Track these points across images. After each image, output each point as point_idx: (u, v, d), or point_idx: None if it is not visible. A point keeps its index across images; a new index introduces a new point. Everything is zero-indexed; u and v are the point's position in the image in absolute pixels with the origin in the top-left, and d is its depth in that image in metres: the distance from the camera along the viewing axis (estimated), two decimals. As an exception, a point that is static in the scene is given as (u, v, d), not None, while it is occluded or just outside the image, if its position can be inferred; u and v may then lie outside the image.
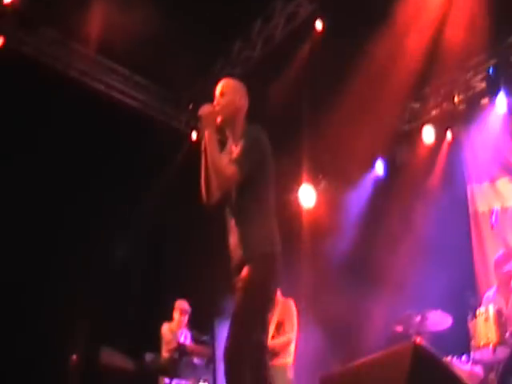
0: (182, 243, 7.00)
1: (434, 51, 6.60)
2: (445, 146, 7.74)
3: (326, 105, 6.87)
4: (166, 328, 6.67)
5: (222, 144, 3.55)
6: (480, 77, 7.31)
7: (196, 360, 5.87)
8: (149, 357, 6.23)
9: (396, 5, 6.24)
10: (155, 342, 6.56)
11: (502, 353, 4.93)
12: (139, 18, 5.85)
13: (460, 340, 5.40)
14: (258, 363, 3.28)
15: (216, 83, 3.66)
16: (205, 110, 3.42)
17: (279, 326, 5.75)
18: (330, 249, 7.94)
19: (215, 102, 3.53)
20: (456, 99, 7.45)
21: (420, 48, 6.58)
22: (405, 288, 6.57)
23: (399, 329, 5.71)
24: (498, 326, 4.96)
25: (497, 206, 6.92)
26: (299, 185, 8.58)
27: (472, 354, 5.14)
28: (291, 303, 5.83)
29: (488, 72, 7.15)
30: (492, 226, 5.99)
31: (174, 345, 6.37)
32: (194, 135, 7.13)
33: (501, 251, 5.85)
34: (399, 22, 6.31)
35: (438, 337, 5.56)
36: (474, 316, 5.12)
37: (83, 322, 6.21)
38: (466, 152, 7.60)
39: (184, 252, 6.94)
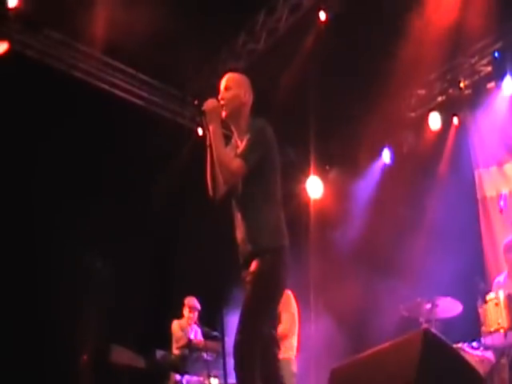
0: (190, 239, 7.03)
1: (439, 37, 6.56)
2: (451, 132, 7.71)
3: (332, 95, 6.85)
4: (175, 325, 6.72)
5: (227, 138, 3.56)
6: (485, 61, 7.27)
7: (206, 356, 5.90)
8: (159, 354, 6.27)
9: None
10: (165, 339, 6.61)
11: (513, 337, 4.93)
12: (142, 16, 5.86)
13: (470, 326, 5.40)
14: (268, 356, 3.29)
15: (220, 77, 3.66)
16: (209, 104, 3.42)
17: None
18: (338, 238, 7.96)
19: (220, 97, 3.52)
20: (462, 84, 7.41)
21: (425, 34, 6.54)
22: (414, 275, 6.58)
23: (409, 316, 5.72)
24: (508, 310, 4.95)
25: (505, 191, 6.92)
26: (307, 176, 8.59)
27: (483, 339, 5.14)
28: (289, 295, 5.74)
29: (494, 56, 7.10)
30: (501, 211, 5.99)
31: (184, 341, 6.41)
32: (199, 130, 7.16)
33: (510, 235, 5.84)
34: (405, 9, 6.28)
35: (448, 323, 5.56)
36: (485, 301, 5.12)
37: (93, 321, 6.25)
38: (472, 137, 7.58)
39: (192, 247, 6.98)
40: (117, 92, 7.40)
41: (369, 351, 3.27)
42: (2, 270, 6.05)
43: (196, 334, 6.75)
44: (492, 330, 5.00)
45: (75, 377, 6.00)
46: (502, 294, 5.04)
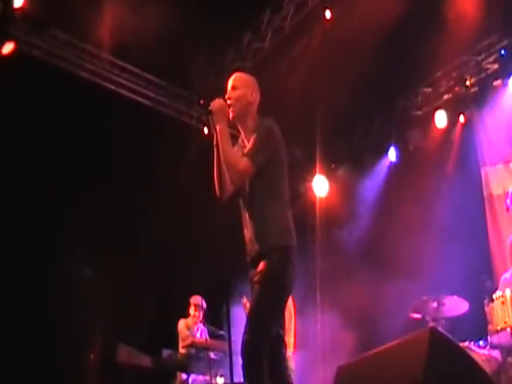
0: (196, 238, 7.04)
1: (445, 34, 6.55)
2: (458, 130, 7.70)
3: (337, 93, 6.84)
4: (182, 324, 6.74)
5: (235, 138, 3.56)
6: (492, 58, 7.26)
7: (213, 355, 5.92)
8: (166, 353, 6.29)
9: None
10: (172, 338, 6.63)
11: (520, 336, 4.92)
12: (148, 16, 5.87)
13: (477, 325, 5.39)
14: (276, 355, 3.30)
15: (226, 77, 3.66)
16: (216, 104, 3.41)
17: None
18: (344, 237, 7.96)
19: (227, 96, 3.52)
20: (468, 82, 7.39)
21: (430, 32, 6.52)
22: (421, 274, 6.56)
23: (416, 315, 5.72)
24: (515, 309, 4.95)
25: (511, 188, 6.90)
26: (313, 175, 8.60)
27: (489, 338, 5.13)
28: None
29: (500, 53, 7.09)
30: (507, 208, 5.99)
31: (190, 340, 6.44)
32: (205, 130, 7.18)
33: (517, 233, 5.83)
34: (408, 8, 6.27)
35: (455, 322, 5.56)
36: (491, 300, 5.11)
37: (100, 321, 6.27)
38: (479, 135, 7.56)
39: (198, 247, 6.99)
40: (123, 92, 7.42)
41: (375, 349, 3.28)
42: (9, 267, 6.08)
43: (202, 333, 6.77)
44: (499, 328, 4.99)
45: (82, 376, 6.02)
46: (508, 293, 5.03)
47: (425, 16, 6.46)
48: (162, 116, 7.74)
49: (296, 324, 5.90)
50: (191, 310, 6.80)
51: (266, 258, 3.30)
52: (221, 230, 3.27)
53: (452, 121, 7.64)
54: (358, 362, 3.42)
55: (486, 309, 5.14)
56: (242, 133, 3.60)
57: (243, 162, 3.34)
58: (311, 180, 8.70)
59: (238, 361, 3.19)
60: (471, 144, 7.58)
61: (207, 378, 6.18)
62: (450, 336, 3.04)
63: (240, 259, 3.51)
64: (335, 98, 6.90)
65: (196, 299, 6.78)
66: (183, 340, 6.59)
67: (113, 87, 7.32)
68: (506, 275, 5.70)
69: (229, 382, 5.18)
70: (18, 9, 6.21)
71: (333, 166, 8.79)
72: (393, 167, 8.20)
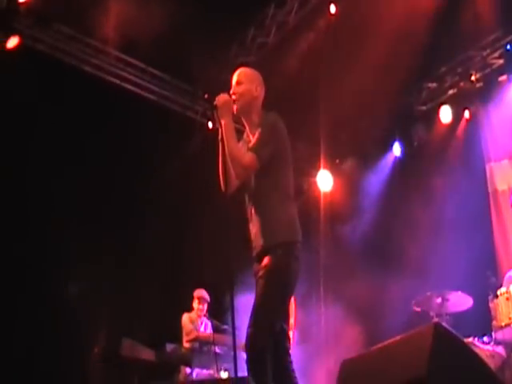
0: (200, 233, 7.05)
1: (451, 29, 6.52)
2: (462, 125, 7.68)
3: (342, 88, 6.83)
4: (185, 318, 6.75)
5: (239, 133, 3.56)
6: (497, 54, 7.23)
7: (217, 349, 5.94)
8: (169, 347, 6.31)
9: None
10: (176, 332, 6.64)
11: (525, 332, 4.92)
12: (152, 11, 5.86)
13: (481, 320, 5.39)
14: (280, 350, 3.31)
15: (231, 71, 3.67)
16: (221, 99, 3.41)
17: None
18: (349, 232, 7.96)
19: (231, 91, 3.52)
20: (473, 77, 7.37)
21: (435, 26, 6.50)
22: (425, 269, 6.56)
23: (420, 310, 5.72)
24: (519, 305, 4.94)
25: (517, 184, 6.88)
26: (317, 170, 8.60)
27: (494, 334, 5.13)
28: None
29: (505, 48, 7.06)
30: (512, 204, 5.96)
31: (194, 335, 6.45)
32: (210, 125, 7.18)
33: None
34: (413, 2, 6.25)
35: (459, 318, 5.55)
36: (496, 296, 5.11)
37: (104, 315, 6.29)
38: (484, 130, 7.54)
39: (202, 241, 7.00)
40: (127, 86, 7.41)
41: (379, 344, 3.27)
42: (13, 259, 6.10)
43: (206, 326, 6.79)
44: (503, 324, 4.99)
45: (86, 370, 6.04)
46: (513, 289, 5.03)
47: (429, 12, 6.44)
48: (166, 111, 7.74)
49: (296, 319, 5.91)
50: (195, 304, 6.81)
51: (271, 253, 3.30)
52: (225, 223, 3.27)
53: (457, 116, 7.62)
54: (361, 356, 3.42)
55: (491, 305, 5.14)
56: (247, 127, 3.60)
57: (248, 157, 3.34)
58: (315, 175, 8.70)
59: (243, 355, 3.20)
60: (476, 139, 7.56)
61: (211, 372, 6.20)
62: (454, 331, 3.04)
63: (244, 253, 3.51)
64: (339, 93, 6.89)
65: (200, 292, 6.80)
66: (187, 334, 6.60)
67: (117, 82, 7.32)
68: (511, 273, 5.69)
69: (233, 376, 5.19)
70: (22, 3, 6.22)
71: (337, 161, 8.78)
72: (397, 162, 8.19)
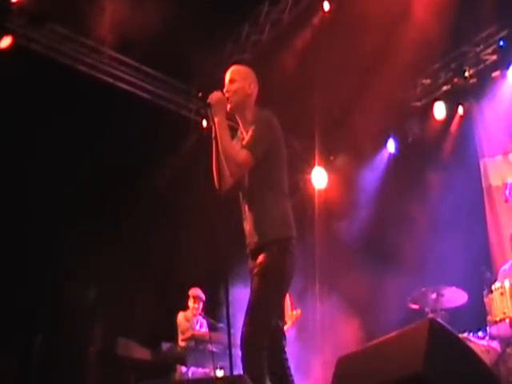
0: (195, 231, 7.06)
1: (444, 26, 6.53)
2: (456, 121, 7.70)
3: (336, 85, 6.84)
4: (181, 317, 6.75)
5: (233, 131, 3.56)
6: (491, 49, 7.24)
7: (212, 348, 5.95)
8: (165, 346, 6.31)
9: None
10: (171, 331, 6.64)
11: (519, 327, 4.94)
12: (146, 9, 5.84)
13: (476, 316, 5.41)
14: (275, 348, 3.31)
15: (225, 69, 3.66)
16: (214, 97, 3.41)
17: None
18: (344, 228, 7.97)
19: (225, 89, 3.52)
20: (467, 73, 7.38)
21: (429, 23, 6.50)
22: (420, 265, 6.58)
23: (415, 306, 5.74)
24: (514, 300, 4.96)
25: (510, 180, 6.91)
26: (312, 167, 8.60)
27: (489, 329, 5.15)
28: None
29: (499, 44, 7.08)
30: (506, 200, 6.00)
31: (190, 333, 6.45)
32: (204, 123, 7.17)
33: (516, 224, 5.84)
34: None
35: (454, 313, 5.57)
36: (490, 291, 5.13)
37: (100, 315, 6.29)
38: (478, 126, 7.56)
39: (196, 240, 7.01)
40: (122, 85, 7.40)
41: (375, 341, 3.28)
42: (11, 260, 6.09)
43: (201, 325, 6.79)
44: (498, 319, 5.01)
45: (83, 369, 6.04)
46: (507, 284, 5.05)
47: (423, 8, 6.44)
48: (160, 109, 7.73)
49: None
50: (190, 303, 6.81)
51: (266, 250, 3.31)
52: (220, 222, 3.27)
53: (451, 112, 7.64)
54: (357, 353, 3.42)
55: (485, 300, 5.16)
56: (241, 125, 3.60)
57: (242, 154, 3.34)
58: (310, 172, 8.71)
59: (238, 353, 3.20)
60: (470, 135, 7.57)
61: (207, 370, 6.20)
62: (449, 327, 3.05)
63: (239, 251, 3.51)
64: (334, 90, 6.89)
65: (195, 291, 6.80)
66: (183, 333, 6.61)
67: (111, 81, 7.30)
68: (506, 266, 5.71)
69: (228, 374, 5.19)
70: (15, 2, 6.20)
71: (331, 157, 8.78)
72: (392, 159, 8.20)
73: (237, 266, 3.52)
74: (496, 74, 7.22)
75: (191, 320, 6.77)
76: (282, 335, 3.40)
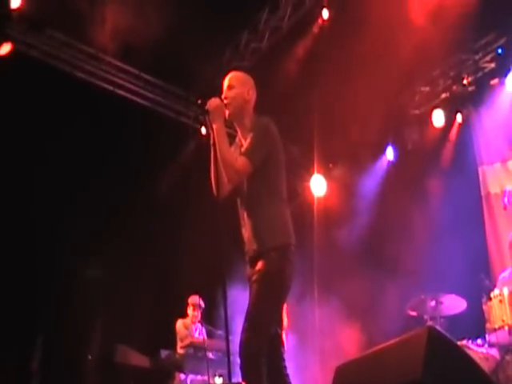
0: (193, 238, 7.05)
1: (442, 33, 6.55)
2: (455, 129, 7.71)
3: (335, 93, 6.85)
4: (180, 324, 6.74)
5: (232, 137, 3.55)
6: (489, 57, 7.27)
7: (211, 355, 5.92)
8: (164, 353, 6.29)
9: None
10: (170, 338, 6.63)
11: (518, 335, 4.93)
12: (146, 16, 5.87)
13: (475, 323, 5.40)
14: (274, 355, 3.29)
15: (224, 76, 3.65)
16: (213, 103, 3.39)
17: None
18: (343, 236, 7.96)
19: (223, 95, 3.51)
20: (465, 81, 7.41)
21: (428, 31, 6.52)
22: (419, 272, 6.58)
23: (414, 314, 5.73)
24: (513, 307, 4.95)
25: (509, 187, 6.86)
26: (310, 174, 8.61)
27: (487, 336, 5.14)
28: None
29: (497, 52, 7.10)
30: (505, 207, 5.97)
31: (188, 341, 6.43)
32: (203, 130, 7.18)
33: (515, 232, 5.84)
34: (406, 6, 6.28)
35: (453, 321, 5.57)
36: (489, 298, 5.12)
37: (98, 322, 6.27)
38: (476, 134, 7.58)
39: (195, 247, 6.99)
40: (121, 92, 7.42)
41: (374, 349, 3.28)
42: (9, 269, 6.08)
43: (200, 332, 6.77)
44: (496, 327, 5.00)
45: (81, 377, 6.02)
46: (506, 291, 5.04)
47: (422, 16, 6.46)
48: (160, 116, 7.74)
49: (290, 322, 5.91)
50: (189, 310, 6.80)
51: (265, 256, 3.29)
52: (218, 229, 3.26)
53: (449, 120, 7.65)
54: (356, 361, 3.41)
55: (484, 307, 5.15)
56: (239, 132, 3.59)
57: (240, 161, 3.33)
58: (309, 179, 8.71)
59: (237, 360, 3.19)
60: (468, 143, 7.60)
61: (205, 378, 6.18)
62: (447, 334, 3.05)
63: (238, 258, 3.51)
64: (333, 97, 6.91)
65: (194, 299, 6.79)
66: (181, 340, 6.59)
67: (111, 88, 7.32)
68: (505, 274, 5.71)
69: (227, 382, 5.18)
70: (15, 9, 6.21)
71: (330, 165, 8.79)
72: (391, 166, 8.21)
73: (235, 273, 3.51)
74: (494, 81, 7.24)
75: (190, 327, 6.76)
76: (280, 342, 3.38)
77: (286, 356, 3.40)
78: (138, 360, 6.05)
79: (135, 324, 6.68)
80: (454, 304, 5.57)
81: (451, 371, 2.95)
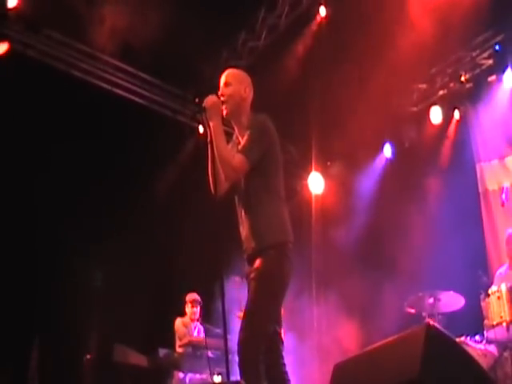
0: (191, 237, 7.05)
1: (439, 30, 6.55)
2: (453, 126, 7.72)
3: (332, 91, 6.86)
4: (179, 322, 6.74)
5: (229, 135, 3.54)
6: (486, 54, 7.27)
7: (209, 353, 5.93)
8: (162, 352, 6.29)
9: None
10: (168, 337, 6.63)
11: (516, 331, 4.94)
12: (143, 15, 5.86)
13: (473, 320, 5.42)
14: (273, 352, 3.28)
15: (221, 74, 3.63)
16: (209, 101, 3.38)
17: None
18: (340, 233, 7.97)
19: (220, 93, 3.48)
20: (463, 78, 7.41)
21: (425, 28, 6.52)
22: (416, 269, 6.59)
23: (412, 311, 5.74)
24: (511, 304, 4.97)
25: (506, 184, 6.92)
26: (308, 172, 8.61)
27: (485, 333, 5.16)
28: None
29: (495, 49, 7.10)
30: (502, 204, 6.01)
31: (187, 339, 6.43)
32: (200, 128, 7.19)
33: (512, 228, 5.85)
34: (403, 3, 6.28)
35: (451, 317, 5.58)
36: (487, 295, 5.14)
37: (96, 321, 6.26)
38: (474, 130, 7.59)
39: (193, 245, 7.00)
40: (118, 91, 7.41)
41: (372, 346, 3.28)
42: (8, 269, 6.08)
43: (199, 331, 6.78)
44: (494, 323, 5.02)
45: (79, 376, 6.01)
46: (504, 288, 5.06)
47: (419, 13, 6.46)
48: (157, 115, 7.73)
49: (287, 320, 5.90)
50: (188, 308, 6.80)
51: (263, 254, 3.28)
52: (216, 227, 3.25)
53: (447, 117, 7.65)
54: (354, 359, 3.41)
55: (482, 304, 5.17)
56: (236, 129, 3.57)
57: (238, 159, 3.31)
58: (307, 177, 8.71)
59: (235, 359, 3.18)
60: (466, 140, 7.60)
61: (204, 376, 6.18)
62: (446, 331, 3.05)
63: (236, 256, 3.50)
64: (330, 95, 6.91)
65: (192, 296, 6.80)
66: (180, 339, 6.59)
67: (108, 87, 7.30)
68: (501, 270, 5.74)
69: (226, 380, 5.18)
70: (12, 9, 6.20)
71: (328, 163, 8.79)
72: (388, 164, 8.21)
73: (234, 271, 3.51)
74: (492, 78, 7.24)
75: (189, 326, 6.76)
76: (279, 340, 3.37)
77: (284, 353, 3.40)
78: (137, 359, 6.04)
79: (133, 323, 6.67)
80: (452, 301, 5.59)
81: (449, 368, 2.95)
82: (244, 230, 3.41)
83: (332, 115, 7.39)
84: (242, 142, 3.40)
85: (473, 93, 7.47)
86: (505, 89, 7.13)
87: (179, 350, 6.49)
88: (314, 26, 7.03)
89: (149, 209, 7.19)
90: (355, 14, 6.45)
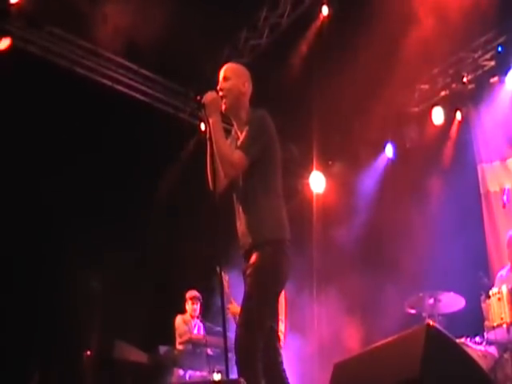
0: (192, 234, 7.05)
1: (442, 31, 6.54)
2: (455, 127, 7.71)
3: (334, 90, 6.84)
4: (179, 319, 6.74)
5: (228, 132, 3.52)
6: (489, 55, 7.26)
7: (210, 351, 5.91)
8: (162, 349, 6.29)
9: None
10: (169, 334, 6.63)
11: (516, 332, 4.93)
12: (145, 13, 5.86)
13: (473, 321, 5.41)
14: (270, 349, 3.26)
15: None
16: (208, 97, 3.35)
17: None
18: (342, 232, 7.96)
19: (219, 87, 3.45)
20: (465, 79, 7.40)
21: (427, 29, 6.51)
22: (417, 270, 6.58)
23: (412, 311, 5.73)
24: (511, 305, 4.96)
25: (508, 185, 6.88)
26: (309, 171, 8.61)
27: (486, 334, 5.15)
28: None
29: (497, 50, 7.09)
30: (504, 205, 5.99)
31: (187, 337, 6.44)
32: (202, 126, 7.18)
33: (513, 230, 5.84)
34: (405, 4, 6.27)
35: (451, 318, 5.57)
36: (488, 296, 5.13)
37: (96, 318, 6.27)
38: (475, 132, 7.58)
39: (193, 242, 7.00)
40: (120, 88, 7.42)
41: (372, 346, 3.27)
42: (8, 269, 6.08)
43: (199, 329, 6.78)
44: (495, 324, 5.01)
45: (79, 373, 6.02)
46: (505, 289, 5.05)
47: (422, 14, 6.46)
48: (158, 112, 7.73)
49: (287, 315, 5.90)
50: (188, 306, 6.80)
51: (259, 250, 3.26)
52: (216, 225, 3.24)
53: (449, 118, 7.64)
54: (354, 359, 3.40)
55: (483, 305, 5.16)
56: (235, 125, 3.55)
57: (237, 155, 3.29)
58: (308, 176, 8.70)
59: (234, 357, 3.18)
60: (468, 141, 7.59)
61: (204, 374, 6.18)
62: (446, 332, 3.04)
63: (235, 254, 3.49)
64: (332, 95, 6.90)
65: (192, 293, 6.80)
66: (180, 336, 6.59)
67: (109, 83, 7.30)
68: (503, 272, 5.72)
69: (225, 378, 5.18)
70: (13, 4, 6.20)
71: (330, 162, 8.79)
72: (390, 164, 8.21)
73: (233, 268, 3.50)
74: (494, 79, 7.24)
75: (189, 323, 6.76)
76: (276, 337, 3.35)
77: (283, 352, 3.39)
78: (137, 356, 6.04)
79: (133, 320, 6.68)
80: (452, 302, 5.57)
81: (449, 369, 2.95)
82: (241, 227, 3.39)
83: (334, 114, 7.39)
84: (241, 137, 3.38)
85: (475, 94, 7.46)
86: (507, 90, 7.13)
87: (179, 347, 6.50)
88: (316, 25, 7.02)
89: (150, 206, 7.19)
90: (358, 13, 6.45)
